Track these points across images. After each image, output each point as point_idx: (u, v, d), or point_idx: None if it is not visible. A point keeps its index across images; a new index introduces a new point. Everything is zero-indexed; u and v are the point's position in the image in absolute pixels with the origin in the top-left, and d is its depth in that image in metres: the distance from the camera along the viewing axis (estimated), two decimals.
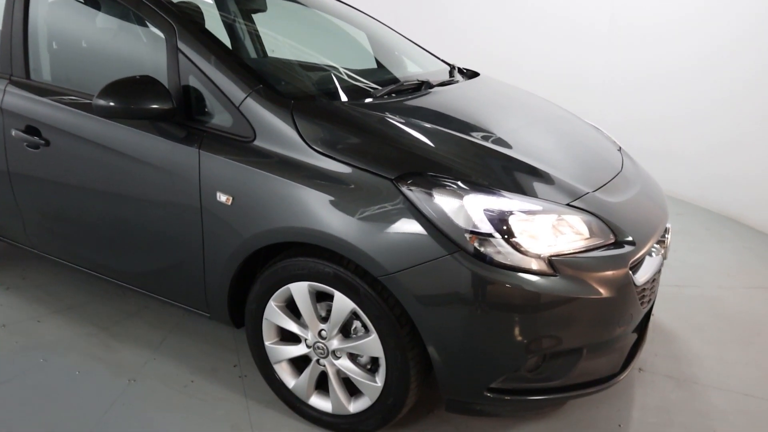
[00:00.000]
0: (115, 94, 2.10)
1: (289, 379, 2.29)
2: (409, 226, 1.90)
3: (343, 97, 2.33)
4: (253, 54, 3.29)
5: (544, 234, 1.94)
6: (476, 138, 2.24)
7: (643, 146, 5.04)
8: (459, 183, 1.95)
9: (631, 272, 2.02)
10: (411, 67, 3.06)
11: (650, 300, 2.26)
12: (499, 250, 1.87)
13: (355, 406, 2.17)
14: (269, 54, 3.32)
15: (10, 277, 3.24)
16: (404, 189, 1.92)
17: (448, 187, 1.93)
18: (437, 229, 1.88)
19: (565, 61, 5.53)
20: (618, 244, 2.03)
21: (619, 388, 2.51)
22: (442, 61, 3.23)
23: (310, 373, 2.22)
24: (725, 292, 3.39)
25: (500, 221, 1.89)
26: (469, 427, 2.29)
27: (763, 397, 2.52)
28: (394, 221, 1.91)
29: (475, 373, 1.97)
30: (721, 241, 4.11)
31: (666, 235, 2.37)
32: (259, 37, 3.35)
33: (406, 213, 1.90)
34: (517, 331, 1.91)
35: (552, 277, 1.88)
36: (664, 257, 2.35)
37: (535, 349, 1.95)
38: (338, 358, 2.15)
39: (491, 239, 1.87)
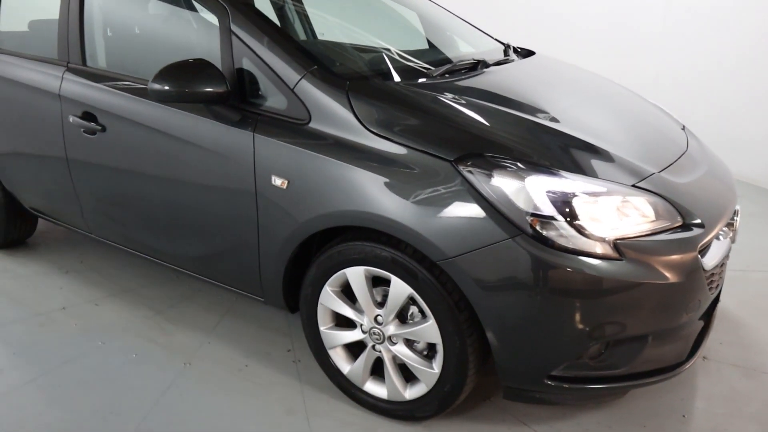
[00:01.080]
0: (169, 78, 2.10)
1: (344, 365, 2.27)
2: (468, 209, 1.84)
3: (397, 78, 2.28)
4: (303, 36, 3.27)
5: (609, 216, 1.86)
6: (534, 117, 2.17)
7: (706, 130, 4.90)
8: (519, 164, 1.88)
9: (699, 256, 1.93)
10: (463, 47, 2.98)
11: (718, 285, 2.17)
12: (562, 233, 1.80)
13: (411, 393, 2.14)
14: (319, 36, 3.28)
15: (68, 261, 3.31)
16: (463, 170, 1.86)
17: (508, 169, 1.86)
18: (498, 211, 1.82)
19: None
20: (686, 226, 1.94)
21: (683, 378, 2.42)
22: (496, 40, 3.14)
23: (365, 359, 2.20)
24: None
25: (563, 203, 1.82)
26: (527, 415, 2.24)
27: None
28: (453, 204, 1.86)
29: (535, 360, 1.92)
30: None
31: (735, 218, 2.26)
32: (308, 19, 3.32)
33: (465, 195, 1.85)
34: (578, 317, 1.84)
35: (617, 261, 1.81)
36: (733, 241, 2.24)
37: (598, 336, 1.88)
38: (394, 344, 2.12)
39: (553, 222, 1.81)
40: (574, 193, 1.85)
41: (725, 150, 4.15)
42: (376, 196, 1.94)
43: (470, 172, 1.86)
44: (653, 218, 1.91)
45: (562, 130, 2.11)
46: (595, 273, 1.80)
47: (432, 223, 1.87)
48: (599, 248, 1.81)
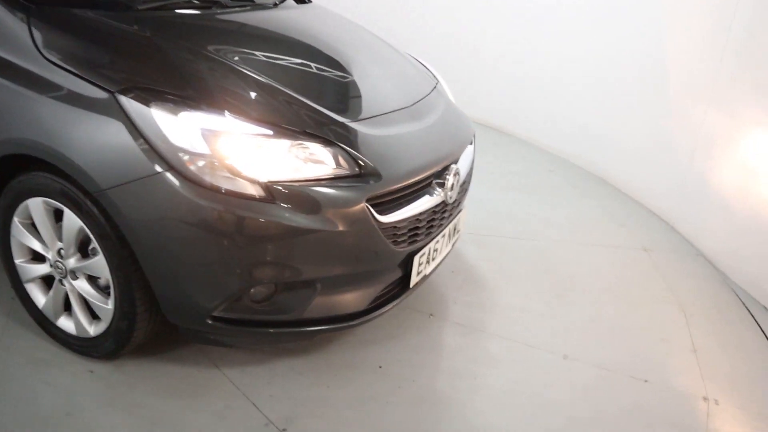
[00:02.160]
0: None
1: (40, 299, 2.20)
2: (123, 140, 1.79)
3: (93, 7, 2.16)
4: None
5: (266, 159, 1.85)
6: (229, 60, 2.12)
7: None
8: (181, 99, 1.84)
9: (372, 208, 1.95)
10: None
11: (415, 241, 2.19)
12: (213, 171, 1.78)
13: (95, 329, 2.10)
14: None
15: None
16: (123, 101, 1.80)
17: (166, 103, 1.81)
18: (150, 144, 1.78)
19: None
20: (362, 177, 1.95)
21: (399, 331, 2.47)
22: None
23: (54, 293, 2.14)
24: (559, 245, 3.36)
25: (217, 141, 1.79)
26: (222, 358, 2.23)
27: (541, 347, 2.50)
28: (109, 135, 1.80)
29: (194, 299, 1.90)
30: (582, 197, 4.07)
31: (447, 176, 2.28)
32: None
33: (121, 127, 1.79)
34: (230, 257, 1.83)
35: (268, 204, 1.80)
36: (451, 200, 2.29)
37: (257, 279, 1.88)
38: (77, 278, 2.06)
39: (206, 160, 1.78)
40: (230, 132, 1.82)
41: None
42: (44, 124, 1.86)
43: (129, 103, 1.80)
44: (332, 166, 1.92)
45: (254, 75, 2.08)
46: (244, 214, 1.78)
47: (89, 154, 1.81)
48: (251, 189, 1.79)
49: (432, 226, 2.26)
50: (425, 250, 2.25)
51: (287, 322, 2.00)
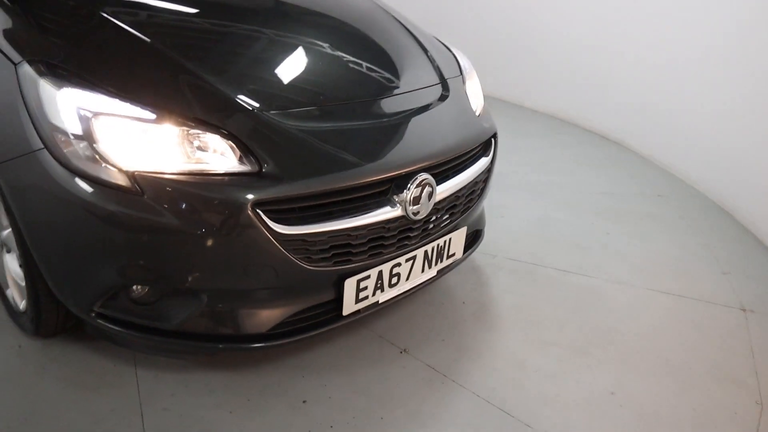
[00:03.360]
0: None
1: None
2: (17, 114, 1.70)
3: None
4: None
5: (147, 147, 1.63)
6: (141, 31, 1.91)
7: None
8: (73, 74, 1.68)
9: (265, 215, 1.63)
10: None
11: (348, 261, 1.83)
12: (82, 155, 1.61)
13: (23, 305, 2.06)
14: None
15: None
16: (20, 73, 1.70)
17: (56, 78, 1.67)
18: (32, 119, 1.65)
19: None
20: (260, 176, 1.65)
21: (354, 363, 2.13)
22: None
23: (1, 263, 2.14)
24: (619, 289, 2.71)
25: (90, 123, 1.62)
26: (147, 361, 2.07)
27: (521, 418, 1.98)
28: (7, 107, 1.72)
29: (73, 288, 1.77)
30: (687, 233, 3.28)
31: (409, 186, 1.86)
32: None
33: (15, 100, 1.69)
34: (98, 249, 1.67)
35: (136, 197, 1.58)
36: (421, 216, 1.90)
37: (127, 277, 1.69)
38: (8, 252, 2.03)
39: (78, 141, 1.61)
40: (107, 114, 1.63)
41: None
42: None
43: (24, 75, 1.70)
44: (225, 160, 1.67)
45: (163, 50, 1.88)
46: (109, 206, 1.59)
47: None
48: (119, 179, 1.59)
49: (382, 245, 1.88)
50: (373, 273, 1.89)
51: (174, 333, 1.77)
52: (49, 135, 1.62)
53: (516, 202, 3.46)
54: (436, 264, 2.08)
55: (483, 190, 2.27)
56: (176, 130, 1.65)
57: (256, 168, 1.66)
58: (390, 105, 2.07)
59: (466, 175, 2.09)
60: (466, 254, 2.29)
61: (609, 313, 2.54)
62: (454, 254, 2.15)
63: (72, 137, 1.61)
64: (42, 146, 1.63)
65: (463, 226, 2.16)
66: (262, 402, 1.96)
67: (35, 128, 1.64)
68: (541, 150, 4.40)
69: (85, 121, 1.61)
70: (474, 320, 2.42)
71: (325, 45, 2.25)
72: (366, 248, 1.84)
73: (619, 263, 2.91)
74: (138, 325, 1.77)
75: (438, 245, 2.04)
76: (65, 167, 1.60)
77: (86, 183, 1.60)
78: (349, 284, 1.84)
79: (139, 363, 2.05)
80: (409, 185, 1.84)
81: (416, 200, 1.86)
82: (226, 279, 1.70)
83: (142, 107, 1.65)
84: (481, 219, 2.46)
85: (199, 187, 1.61)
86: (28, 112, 1.66)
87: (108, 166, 1.59)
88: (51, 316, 1.95)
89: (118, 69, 1.79)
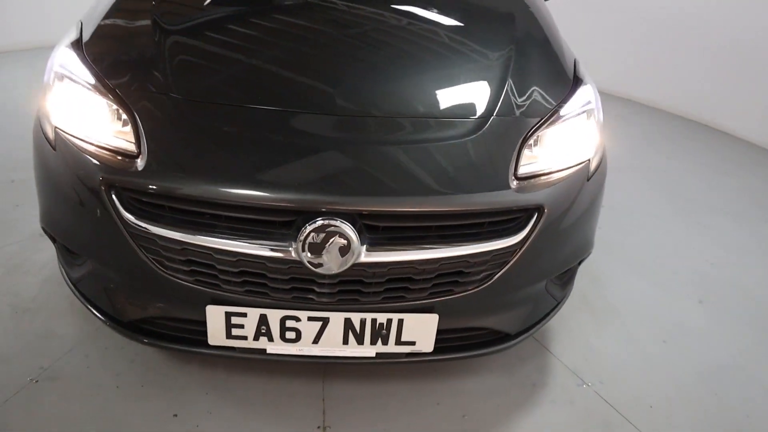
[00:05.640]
0: None
1: None
2: None
3: None
4: None
5: (74, 108, 1.74)
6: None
7: None
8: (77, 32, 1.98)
9: (116, 196, 1.58)
10: None
11: (214, 285, 1.63)
12: (41, 104, 1.84)
13: None
14: None
15: None
16: None
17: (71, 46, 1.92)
18: None
19: None
20: (134, 160, 1.59)
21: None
22: None
23: None
24: None
25: (55, 79, 1.83)
26: None
27: None
28: None
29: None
30: None
31: (306, 227, 1.50)
32: None
33: None
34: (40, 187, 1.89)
35: (50, 148, 1.73)
36: (330, 271, 1.53)
37: (42, 221, 1.88)
38: None
39: (42, 90, 1.85)
40: (65, 74, 1.82)
41: None
42: None
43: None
44: (122, 134, 1.64)
45: (160, 38, 1.91)
46: (41, 151, 1.80)
47: None
48: (48, 130, 1.76)
49: (267, 285, 1.59)
50: (252, 314, 1.62)
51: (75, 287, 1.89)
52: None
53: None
54: (373, 343, 1.69)
55: (499, 277, 1.68)
56: (99, 98, 1.70)
57: (136, 150, 1.58)
58: (358, 127, 1.70)
59: (449, 248, 1.58)
60: (463, 354, 1.83)
61: None
62: (413, 343, 1.71)
63: (45, 86, 1.85)
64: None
65: (434, 312, 1.69)
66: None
67: None
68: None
69: (53, 76, 1.83)
70: None
71: (364, 44, 2.04)
72: (239, 280, 1.58)
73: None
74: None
75: (376, 321, 1.66)
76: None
77: (36, 128, 1.83)
78: (213, 312, 1.62)
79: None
80: (305, 227, 1.48)
81: (316, 249, 1.49)
82: (82, 243, 1.73)
83: (93, 73, 1.76)
84: (518, 317, 1.87)
85: (76, 152, 1.64)
86: None
87: (45, 119, 1.77)
88: None
89: (114, 47, 1.92)
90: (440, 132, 1.73)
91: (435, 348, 1.74)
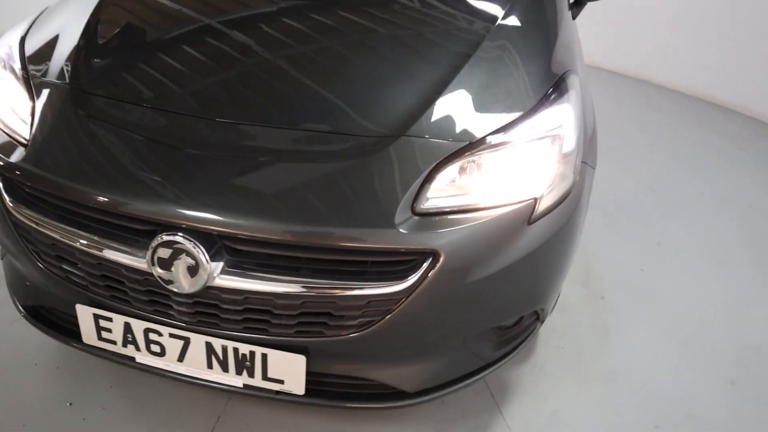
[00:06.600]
0: None
1: None
2: None
3: None
4: None
5: None
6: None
7: None
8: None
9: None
10: None
11: (84, 286, 1.58)
12: None
13: None
14: None
15: None
16: None
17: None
18: None
19: None
20: (22, 147, 1.58)
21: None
22: None
23: None
24: None
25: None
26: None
27: None
28: None
29: None
30: None
31: (157, 237, 1.39)
32: None
33: None
34: None
35: None
36: (183, 290, 1.41)
37: None
38: None
39: None
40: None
41: None
42: None
43: None
44: (18, 121, 1.65)
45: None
46: None
47: None
48: None
49: (124, 291, 1.51)
50: (117, 320, 1.55)
51: None
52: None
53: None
54: (239, 374, 1.55)
55: (380, 325, 1.44)
56: (15, 83, 1.72)
57: (26, 138, 1.58)
58: (239, 137, 1.54)
59: (314, 286, 1.39)
60: (342, 404, 1.62)
61: None
62: (281, 382, 1.54)
63: None
64: None
65: (308, 353, 1.50)
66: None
67: None
68: None
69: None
70: None
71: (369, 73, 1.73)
72: (102, 284, 1.52)
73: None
74: None
75: (238, 351, 1.51)
76: None
77: None
78: (83, 311, 1.57)
79: None
80: (154, 239, 1.38)
81: (165, 264, 1.38)
82: None
83: (20, 57, 1.78)
84: (417, 373, 1.62)
85: None
86: None
87: None
88: None
89: (49, 37, 1.88)
90: (333, 150, 1.51)
91: (309, 391, 1.56)
